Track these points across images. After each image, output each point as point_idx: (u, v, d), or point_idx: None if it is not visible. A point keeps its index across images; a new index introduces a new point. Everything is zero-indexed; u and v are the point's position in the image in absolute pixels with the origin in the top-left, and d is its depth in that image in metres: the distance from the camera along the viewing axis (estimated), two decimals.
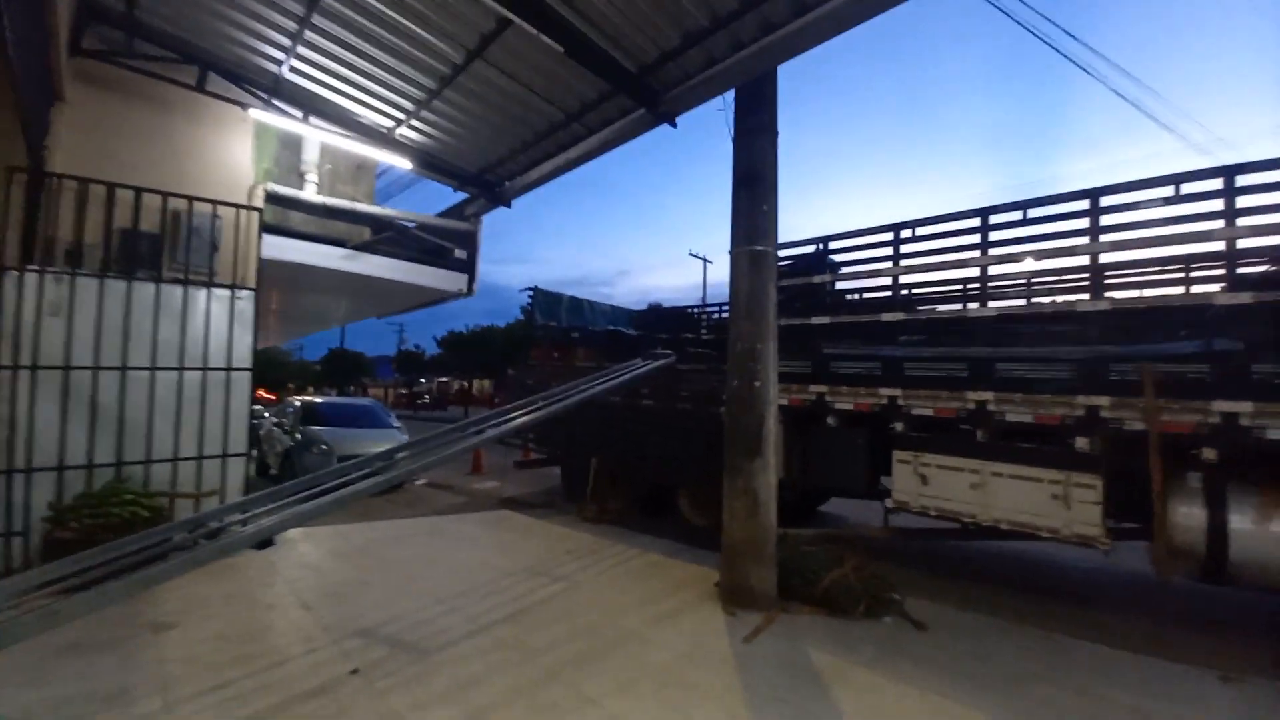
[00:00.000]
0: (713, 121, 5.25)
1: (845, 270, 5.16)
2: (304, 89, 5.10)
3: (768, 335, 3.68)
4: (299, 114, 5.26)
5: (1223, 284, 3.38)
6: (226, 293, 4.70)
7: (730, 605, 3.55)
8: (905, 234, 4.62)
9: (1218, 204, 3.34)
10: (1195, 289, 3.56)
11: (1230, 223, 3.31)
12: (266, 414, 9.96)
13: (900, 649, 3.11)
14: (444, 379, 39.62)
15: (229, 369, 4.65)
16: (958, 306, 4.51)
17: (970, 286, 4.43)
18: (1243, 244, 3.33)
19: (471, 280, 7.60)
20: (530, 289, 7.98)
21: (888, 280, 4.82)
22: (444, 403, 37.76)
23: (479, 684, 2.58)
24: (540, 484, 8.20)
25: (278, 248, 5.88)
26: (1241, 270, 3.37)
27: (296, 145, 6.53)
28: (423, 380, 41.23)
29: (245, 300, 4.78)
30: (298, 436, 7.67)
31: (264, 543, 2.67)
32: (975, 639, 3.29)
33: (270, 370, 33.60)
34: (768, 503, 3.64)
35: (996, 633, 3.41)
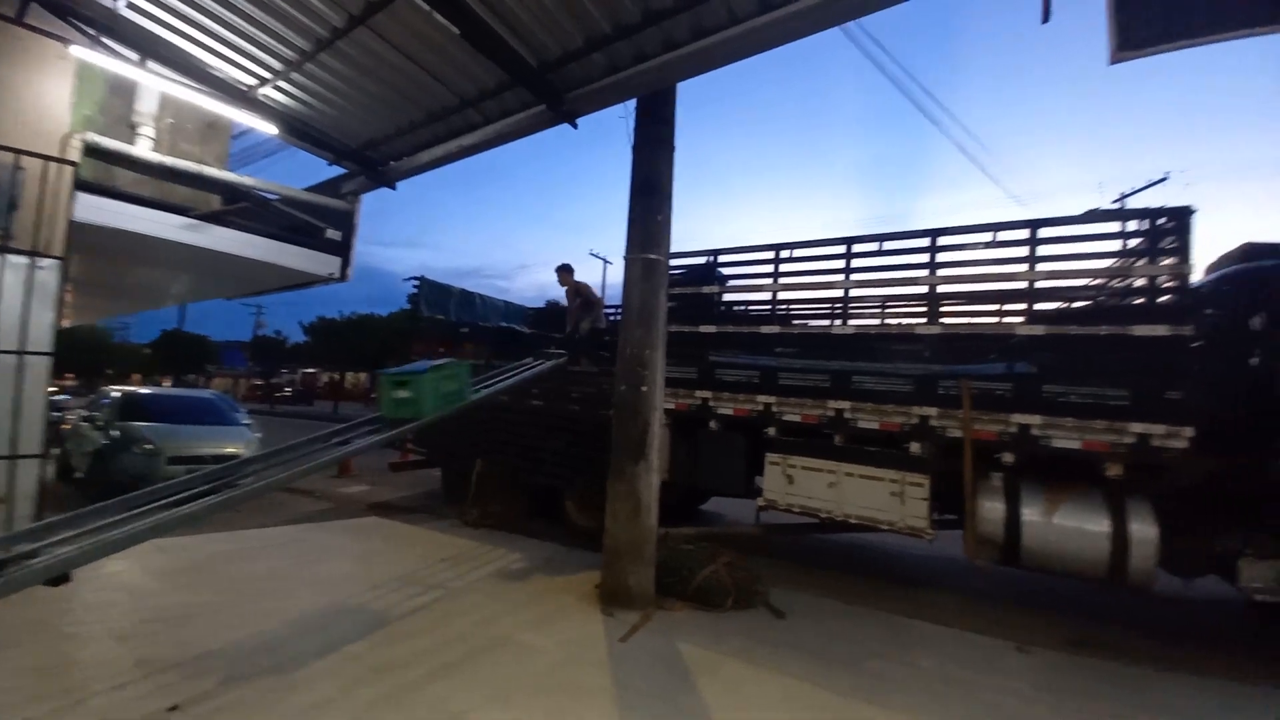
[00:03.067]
0: (616, 126, 5.35)
1: (732, 283, 5.49)
2: (145, 29, 4.34)
3: (657, 342, 3.80)
4: (135, 57, 4.47)
5: (1023, 317, 4.08)
6: (24, 261, 3.88)
7: (609, 606, 3.61)
8: (785, 254, 5.04)
9: (1023, 250, 4.05)
10: (1004, 320, 4.25)
11: (1031, 266, 4.02)
12: (75, 406, 8.29)
13: (762, 637, 3.37)
14: (311, 370, 35.80)
15: (21, 352, 3.83)
16: (825, 323, 4.99)
17: (835, 306, 4.93)
18: (1040, 284, 4.07)
19: (346, 264, 6.94)
20: (416, 278, 7.48)
21: (768, 295, 5.21)
22: (310, 396, 34.11)
23: (328, 708, 2.36)
24: (416, 487, 7.72)
25: (98, 210, 4.96)
26: (1038, 306, 4.11)
27: (130, 93, 5.54)
28: (284, 371, 36.90)
29: (48, 271, 3.98)
30: (114, 434, 6.48)
31: (58, 578, 2.18)
32: (825, 623, 3.66)
33: (82, 355, 28.09)
34: (650, 505, 3.75)
35: (843, 616, 3.82)
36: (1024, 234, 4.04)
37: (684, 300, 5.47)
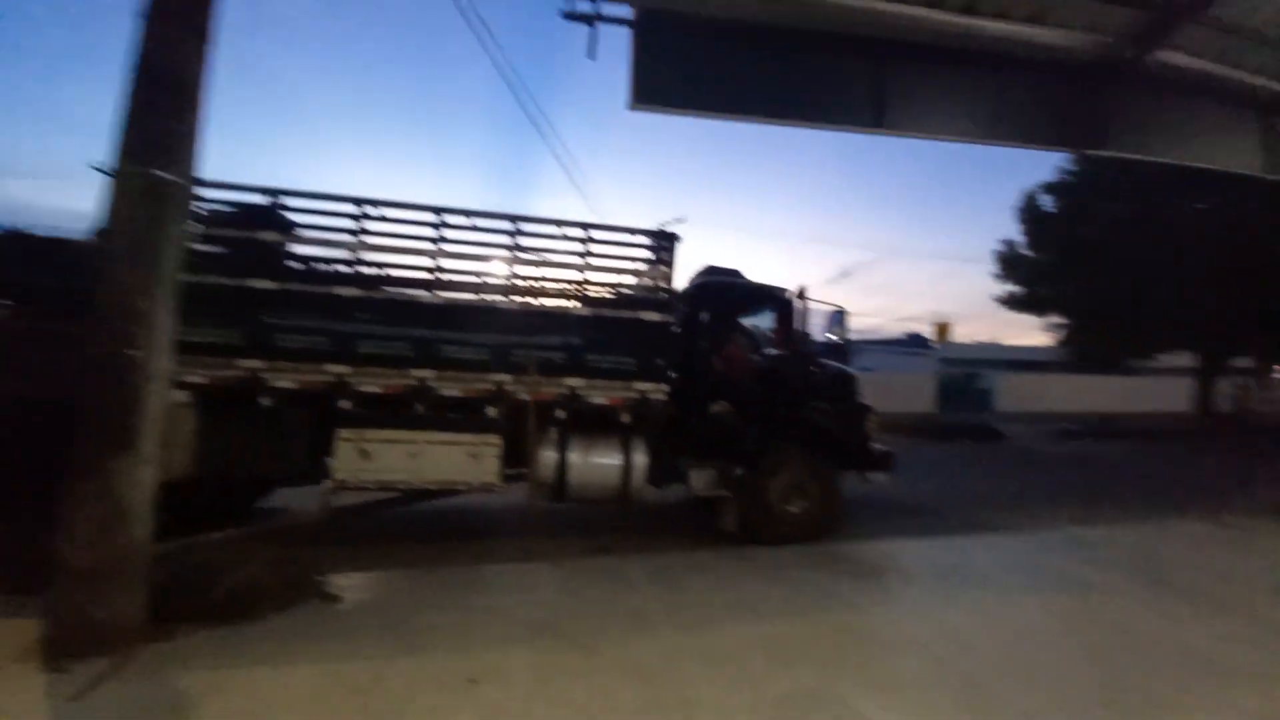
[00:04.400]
0: None
1: (302, 234, 4.66)
2: None
3: (159, 288, 2.84)
4: None
5: (577, 301, 4.98)
6: None
7: (62, 659, 2.55)
8: (371, 211, 4.61)
9: (579, 246, 4.93)
10: (563, 302, 5.09)
11: (584, 260, 4.94)
12: None
13: (304, 631, 3.07)
14: None
15: None
16: (413, 291, 4.82)
17: (424, 275, 4.83)
18: (589, 276, 5.04)
19: None
20: None
21: (347, 254, 4.67)
22: None
23: None
24: None
25: None
26: (588, 292, 5.08)
27: None
28: None
29: None
30: None
31: None
32: (385, 593, 3.64)
33: None
34: (140, 511, 2.81)
35: (404, 582, 3.88)
36: (581, 233, 4.93)
37: (230, 245, 4.34)
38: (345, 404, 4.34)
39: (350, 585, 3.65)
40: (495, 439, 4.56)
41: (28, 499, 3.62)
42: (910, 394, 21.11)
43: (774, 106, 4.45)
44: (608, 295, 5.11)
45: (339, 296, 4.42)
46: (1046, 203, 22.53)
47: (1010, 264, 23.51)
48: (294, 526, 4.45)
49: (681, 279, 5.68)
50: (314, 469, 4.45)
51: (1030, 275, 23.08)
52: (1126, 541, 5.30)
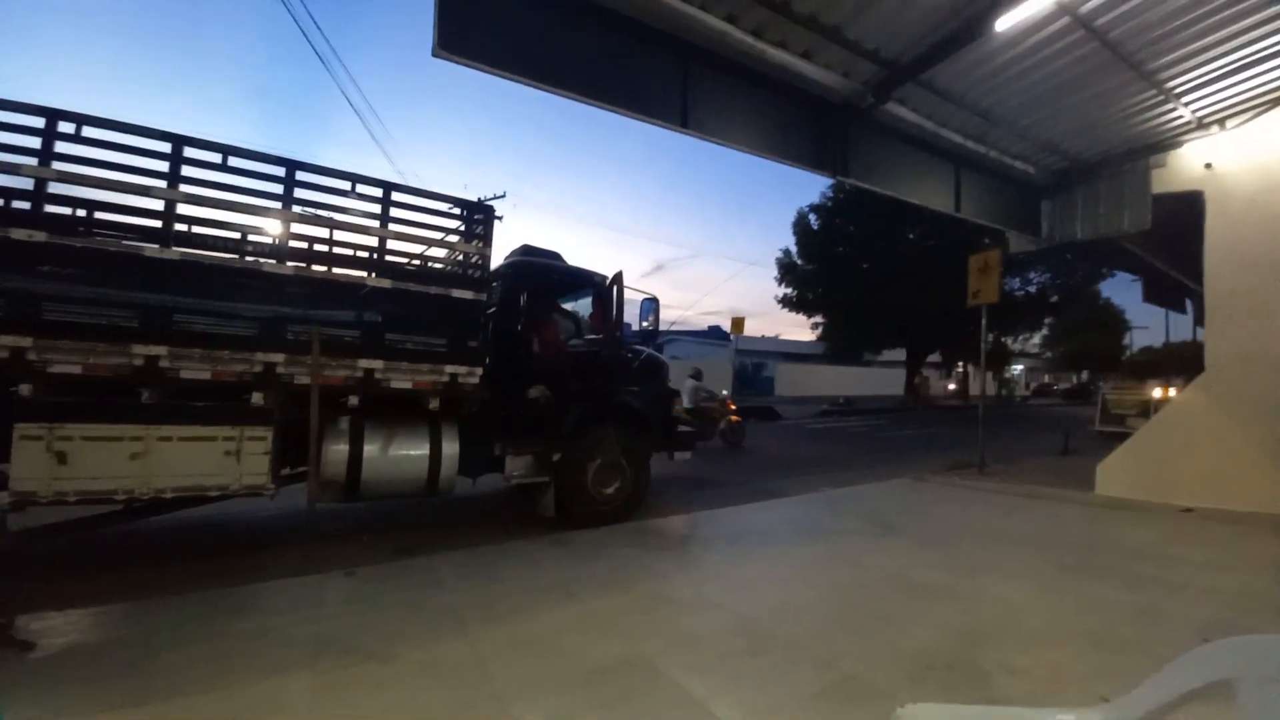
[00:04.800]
0: None
1: None
2: None
3: None
4: None
5: (374, 271, 4.36)
6: None
7: None
8: (64, 127, 3.39)
9: (377, 209, 4.31)
10: (356, 272, 4.42)
11: (384, 226, 4.35)
12: None
13: None
14: None
15: None
16: (138, 243, 3.68)
17: (155, 223, 3.72)
18: (391, 244, 4.46)
19: None
20: None
21: (25, 183, 3.37)
22: None
23: None
24: None
25: None
26: (388, 261, 4.49)
27: None
28: None
29: None
30: None
31: None
32: (107, 633, 2.78)
33: None
34: None
35: (139, 615, 3.01)
36: (379, 193, 4.32)
37: None
38: (25, 389, 3.16)
39: (51, 628, 2.68)
40: (263, 431, 3.75)
41: None
42: (711, 380, 23.68)
43: (586, 85, 4.43)
44: (413, 268, 4.60)
45: (12, 240, 3.18)
46: (813, 220, 27.09)
47: (786, 270, 27.82)
48: None
49: (497, 258, 5.40)
50: None
51: (799, 281, 27.57)
52: (862, 497, 6.64)
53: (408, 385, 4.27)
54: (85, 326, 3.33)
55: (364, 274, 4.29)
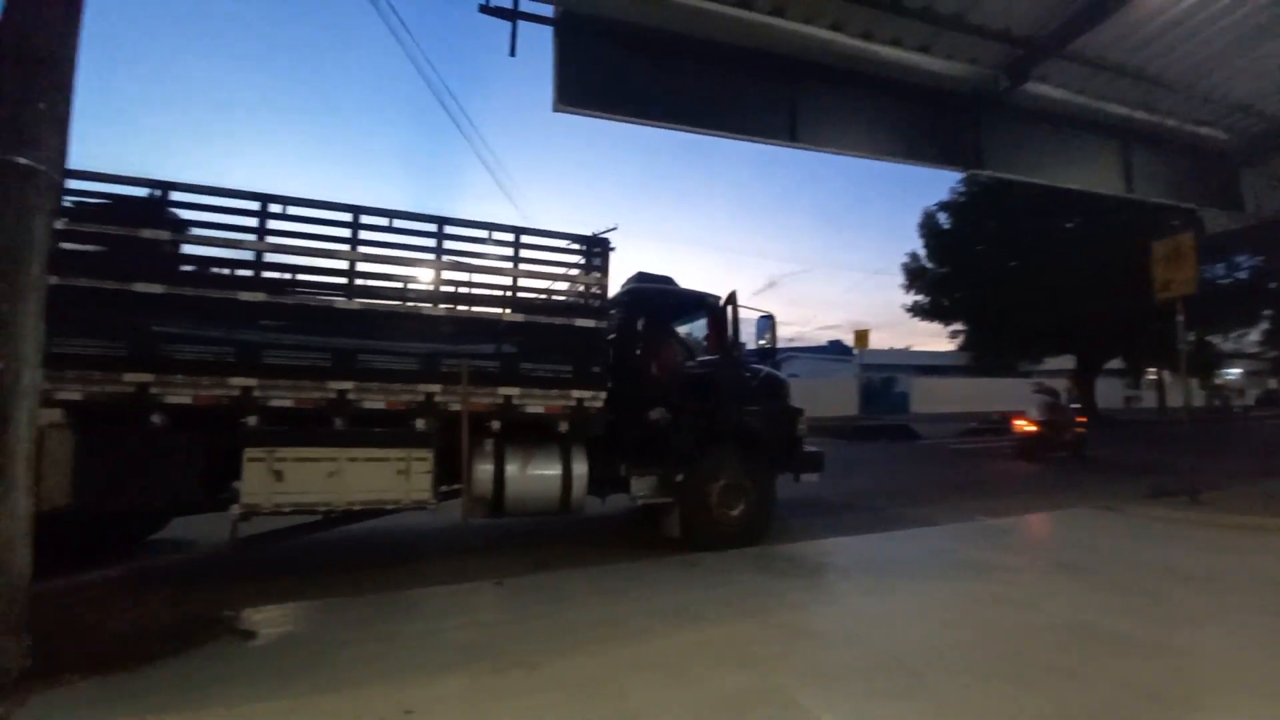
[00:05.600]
0: None
1: (197, 232, 4.20)
2: None
3: (23, 292, 2.45)
4: None
5: (509, 308, 4.80)
6: None
7: None
8: (277, 208, 4.24)
9: (509, 251, 4.77)
10: (496, 309, 4.89)
11: (515, 266, 4.80)
12: None
13: (214, 673, 2.71)
14: None
15: None
16: (328, 296, 4.45)
17: (340, 279, 4.47)
18: (522, 282, 4.89)
19: None
20: None
21: (250, 255, 4.25)
22: None
23: None
24: None
25: None
26: (520, 298, 4.92)
27: None
28: None
29: None
30: None
31: None
32: (306, 626, 3.30)
33: None
34: (10, 543, 2.41)
35: (324, 613, 3.53)
36: (510, 238, 4.78)
37: (110, 244, 3.85)
38: (252, 420, 3.94)
39: (265, 620, 3.27)
40: (425, 453, 4.28)
41: None
42: (834, 398, 22.34)
43: (696, 116, 4.57)
44: (541, 301, 4.99)
45: (241, 302, 4.01)
46: (943, 219, 24.72)
47: (914, 275, 25.59)
48: (197, 559, 3.96)
49: (614, 285, 5.65)
50: (214, 495, 4.00)
51: (931, 286, 25.18)
52: (1030, 528, 5.79)
53: (540, 410, 4.61)
54: (295, 368, 4.07)
55: (500, 310, 4.74)
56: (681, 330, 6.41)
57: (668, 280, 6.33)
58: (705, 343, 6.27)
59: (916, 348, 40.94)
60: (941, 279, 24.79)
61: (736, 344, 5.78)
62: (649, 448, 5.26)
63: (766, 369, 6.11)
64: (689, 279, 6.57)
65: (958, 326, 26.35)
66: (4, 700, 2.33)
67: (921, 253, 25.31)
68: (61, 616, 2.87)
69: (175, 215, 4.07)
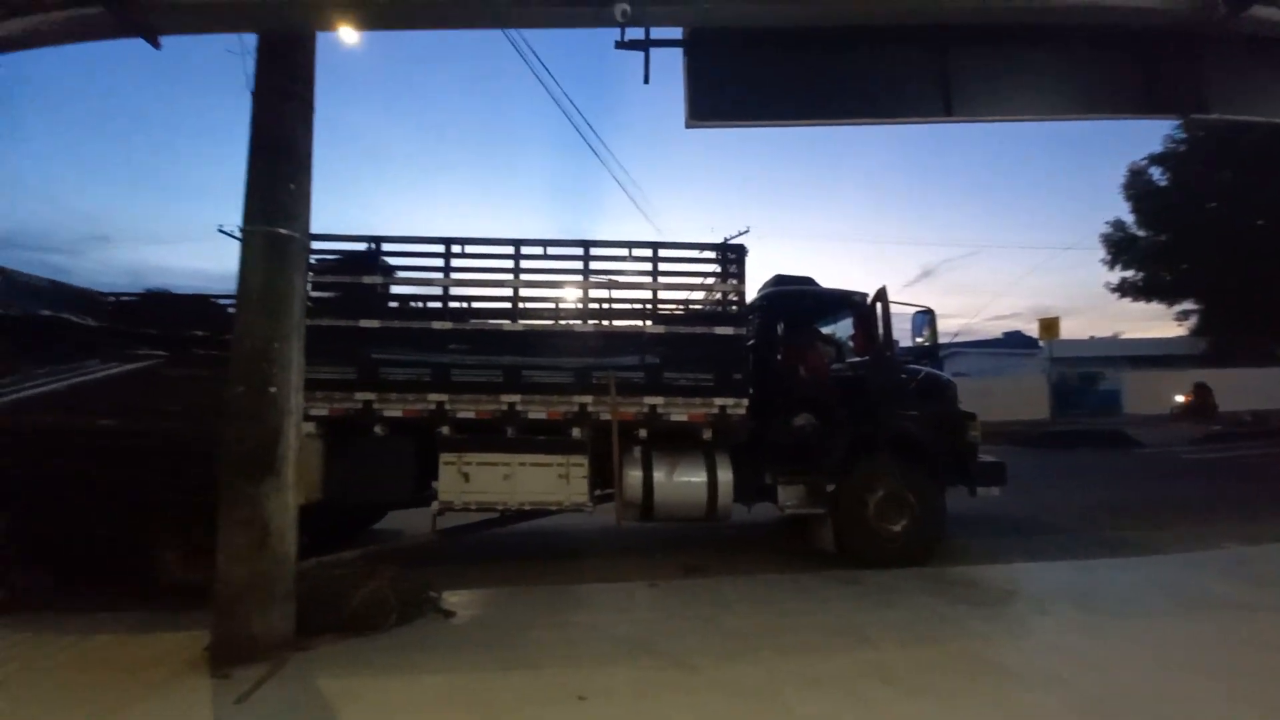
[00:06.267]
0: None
1: (401, 275, 5.09)
2: None
3: (289, 333, 3.20)
4: None
5: (650, 320, 5.03)
6: None
7: (225, 666, 2.86)
8: (456, 249, 4.96)
9: (648, 265, 5.00)
10: (637, 322, 5.16)
11: (655, 280, 5.01)
12: None
13: (426, 644, 3.23)
14: None
15: None
16: (497, 320, 5.09)
17: (505, 303, 5.09)
18: (661, 294, 5.10)
19: None
20: None
21: (438, 290, 5.03)
22: None
23: None
24: None
25: None
26: (660, 310, 5.13)
27: None
28: None
29: None
30: None
31: None
32: (493, 610, 3.78)
33: None
34: (284, 531, 3.13)
35: (509, 599, 4.00)
36: (649, 253, 5.01)
37: (340, 290, 4.82)
38: (445, 430, 4.62)
39: (460, 602, 3.82)
40: (581, 459, 4.66)
41: (181, 523, 4.17)
42: (1016, 399, 19.26)
43: (834, 107, 4.30)
44: (680, 312, 5.14)
45: (434, 330, 4.75)
46: (1157, 175, 20.14)
47: (1120, 247, 21.22)
48: (409, 546, 4.76)
49: (752, 290, 5.60)
50: (421, 492, 4.78)
51: (1145, 258, 20.66)
52: None
53: (684, 418, 4.74)
54: (476, 384, 4.70)
55: (642, 323, 4.98)
56: (829, 331, 6.12)
57: (808, 281, 6.10)
58: (853, 343, 5.91)
59: (1127, 335, 33.80)
60: (1159, 249, 20.23)
61: (889, 343, 5.36)
62: (795, 455, 5.10)
63: (926, 369, 5.56)
64: (833, 277, 6.26)
65: (1186, 306, 21.27)
66: (273, 657, 2.97)
67: (1128, 219, 20.94)
68: (312, 591, 3.62)
69: (385, 262, 4.98)
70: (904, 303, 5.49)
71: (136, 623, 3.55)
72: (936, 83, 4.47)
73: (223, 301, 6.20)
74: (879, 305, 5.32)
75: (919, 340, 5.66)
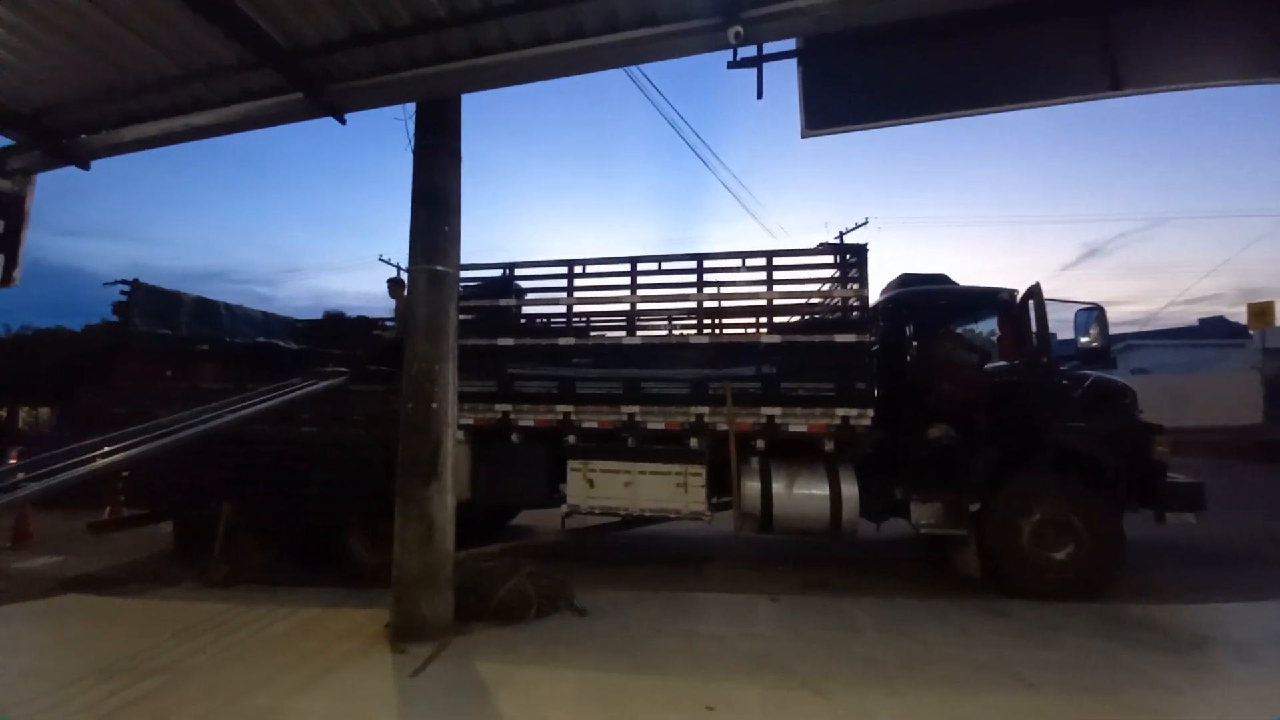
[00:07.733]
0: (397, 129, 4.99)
1: (530, 296, 5.56)
2: None
3: (447, 356, 3.67)
4: None
5: (765, 329, 4.96)
6: None
7: (401, 643, 3.36)
8: (578, 269, 5.30)
9: (763, 275, 4.94)
10: (751, 331, 5.12)
11: (769, 289, 4.94)
12: None
13: (563, 638, 3.50)
14: None
15: None
16: (616, 334, 5.37)
17: (623, 318, 5.35)
18: (776, 303, 5.01)
19: (12, 264, 5.14)
20: (125, 281, 5.91)
21: (563, 308, 5.41)
22: None
23: None
24: (133, 551, 6.06)
25: None
26: (776, 320, 5.04)
27: None
28: None
29: None
30: None
31: None
32: (620, 612, 3.96)
33: None
34: (444, 527, 3.60)
35: (635, 603, 4.16)
36: (763, 261, 4.95)
37: (481, 313, 5.37)
38: (572, 439, 4.96)
39: (592, 602, 4.08)
40: (699, 468, 4.73)
41: (367, 516, 4.92)
42: (1219, 400, 15.85)
43: (972, 95, 3.89)
44: (797, 320, 5.00)
45: (560, 346, 5.12)
46: None
47: None
48: (540, 545, 5.19)
49: (876, 292, 5.29)
50: (552, 495, 5.18)
51: None
52: None
53: (803, 429, 4.61)
54: (598, 396, 4.98)
55: (757, 332, 4.93)
56: (964, 333, 5.57)
57: (940, 279, 5.60)
58: (999, 346, 5.32)
59: None
60: None
61: (1045, 347, 4.75)
62: (931, 470, 4.71)
63: (1095, 374, 4.84)
64: (972, 272, 5.68)
65: None
66: (439, 638, 3.41)
67: None
68: (464, 581, 4.08)
69: (518, 285, 5.47)
70: (1063, 300, 4.81)
71: (334, 599, 4.28)
72: (1096, 55, 3.91)
73: (383, 320, 7.25)
74: (1031, 303, 4.75)
75: (1084, 340, 4.94)
